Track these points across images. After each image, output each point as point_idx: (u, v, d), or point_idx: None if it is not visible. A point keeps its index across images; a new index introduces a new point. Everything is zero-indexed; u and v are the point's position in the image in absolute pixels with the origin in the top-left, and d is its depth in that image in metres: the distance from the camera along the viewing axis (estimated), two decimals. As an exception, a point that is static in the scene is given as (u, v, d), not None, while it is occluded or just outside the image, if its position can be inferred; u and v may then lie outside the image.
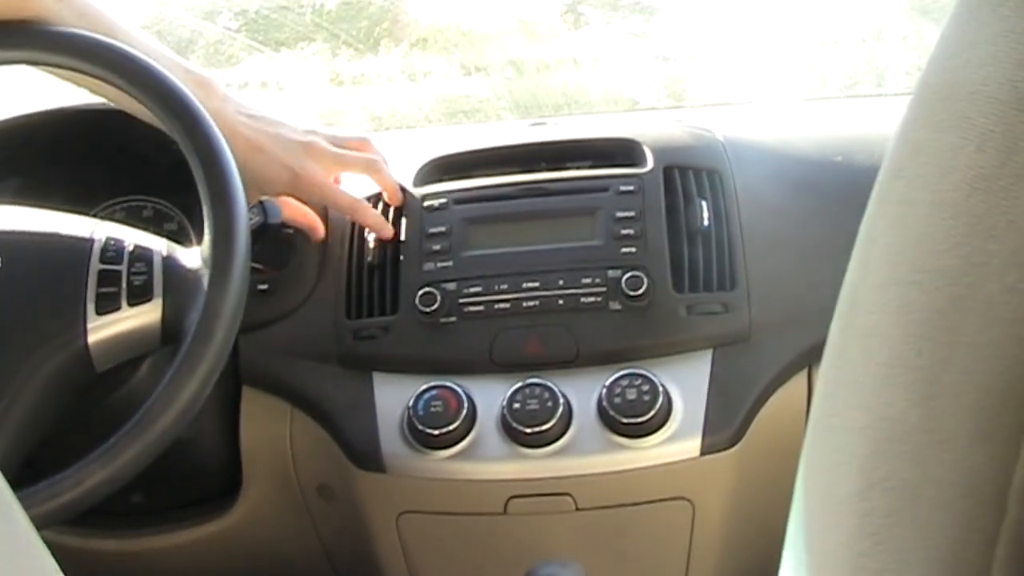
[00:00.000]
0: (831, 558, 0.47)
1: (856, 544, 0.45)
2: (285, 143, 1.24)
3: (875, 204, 0.48)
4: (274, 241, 1.26)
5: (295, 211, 1.30)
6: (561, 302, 1.26)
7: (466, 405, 1.22)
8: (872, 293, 0.46)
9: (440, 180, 1.36)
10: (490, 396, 1.24)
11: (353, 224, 1.33)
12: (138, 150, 1.32)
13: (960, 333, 0.41)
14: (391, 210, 1.33)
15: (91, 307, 1.07)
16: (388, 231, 1.30)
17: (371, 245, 1.31)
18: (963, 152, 0.42)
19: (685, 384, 1.23)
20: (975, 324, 0.41)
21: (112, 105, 1.19)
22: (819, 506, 0.50)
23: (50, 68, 1.12)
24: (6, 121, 1.36)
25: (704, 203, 1.28)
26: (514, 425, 1.21)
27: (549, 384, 1.22)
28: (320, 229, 1.31)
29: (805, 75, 2.06)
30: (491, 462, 1.22)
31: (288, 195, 1.27)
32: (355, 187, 1.33)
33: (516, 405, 1.21)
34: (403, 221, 1.32)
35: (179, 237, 1.35)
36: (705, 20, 2.18)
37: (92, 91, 1.18)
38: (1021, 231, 0.40)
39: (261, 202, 1.16)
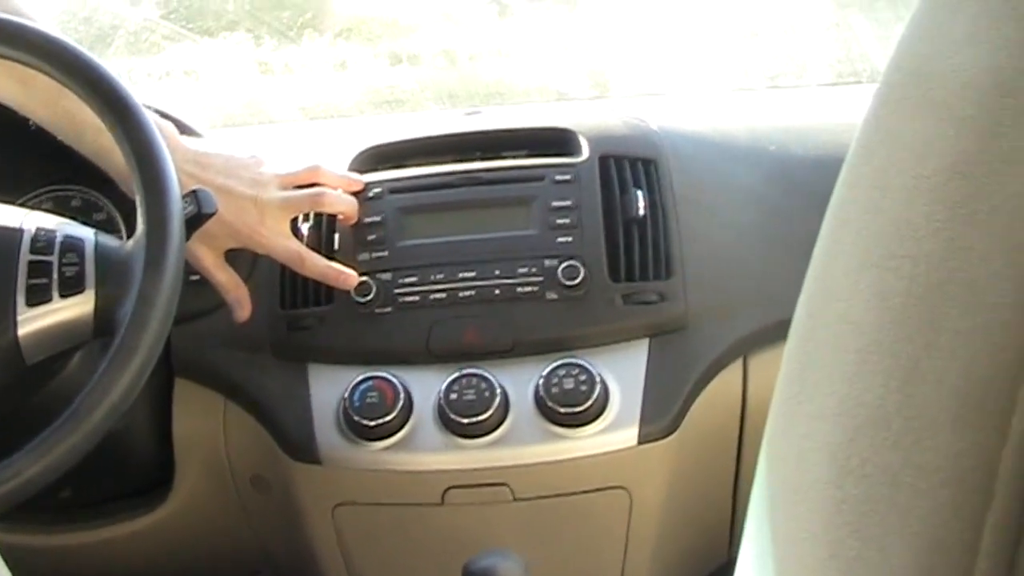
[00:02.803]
0: (801, 547, 0.47)
1: (830, 532, 0.44)
2: (232, 197, 1.22)
3: (844, 189, 0.48)
4: None
5: (228, 282, 1.27)
6: (497, 292, 1.26)
7: (402, 396, 1.21)
8: (844, 279, 0.46)
9: (375, 169, 1.35)
10: (426, 387, 1.23)
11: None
12: (64, 141, 1.30)
13: (942, 318, 0.41)
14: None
15: (21, 299, 1.04)
16: (346, 281, 1.27)
17: (305, 234, 1.29)
18: (941, 137, 0.42)
19: (622, 373, 1.23)
20: (958, 309, 0.40)
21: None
22: (786, 494, 0.49)
23: None
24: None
25: (640, 192, 1.28)
26: (451, 416, 1.20)
27: (486, 374, 1.22)
28: (246, 309, 1.28)
29: (728, 66, 2.07)
30: (428, 453, 1.22)
31: (230, 246, 1.26)
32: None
33: (453, 396, 1.21)
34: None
35: (108, 227, 1.32)
36: (628, 11, 2.19)
37: None
38: (1005, 216, 0.40)
39: (194, 191, 1.14)
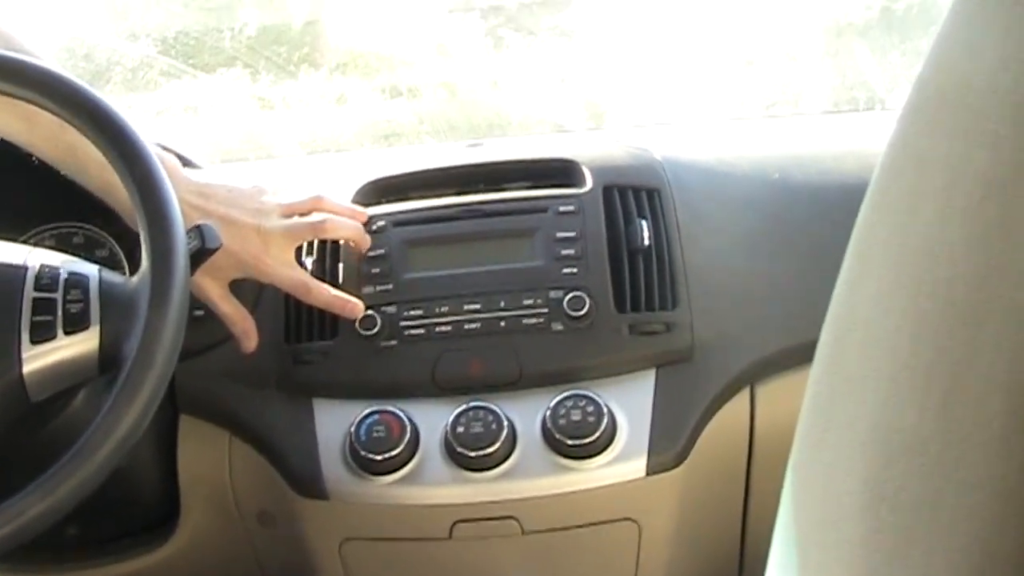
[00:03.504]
0: (833, 574, 0.46)
1: (865, 560, 0.44)
2: (233, 229, 1.22)
3: (870, 213, 0.47)
4: None
5: (235, 313, 1.27)
6: (503, 324, 1.25)
7: (409, 429, 1.21)
8: (872, 303, 0.45)
9: (378, 202, 1.35)
10: (433, 420, 1.22)
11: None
12: (67, 176, 1.29)
13: (981, 340, 0.40)
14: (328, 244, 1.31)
15: (25, 336, 1.04)
16: (352, 310, 1.26)
17: (309, 269, 1.29)
18: (974, 158, 0.41)
19: (629, 404, 1.22)
20: (997, 329, 0.40)
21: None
22: (815, 523, 0.49)
23: None
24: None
25: (644, 222, 1.28)
26: (458, 449, 1.19)
27: (493, 407, 1.21)
28: (252, 340, 1.27)
29: (724, 95, 2.08)
30: (435, 487, 1.21)
31: (233, 277, 1.25)
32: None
33: (460, 428, 1.20)
34: (341, 244, 1.30)
35: (110, 264, 1.32)
36: (623, 43, 2.19)
37: None
38: None
39: (199, 226, 1.14)
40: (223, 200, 1.23)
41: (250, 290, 1.28)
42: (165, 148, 1.22)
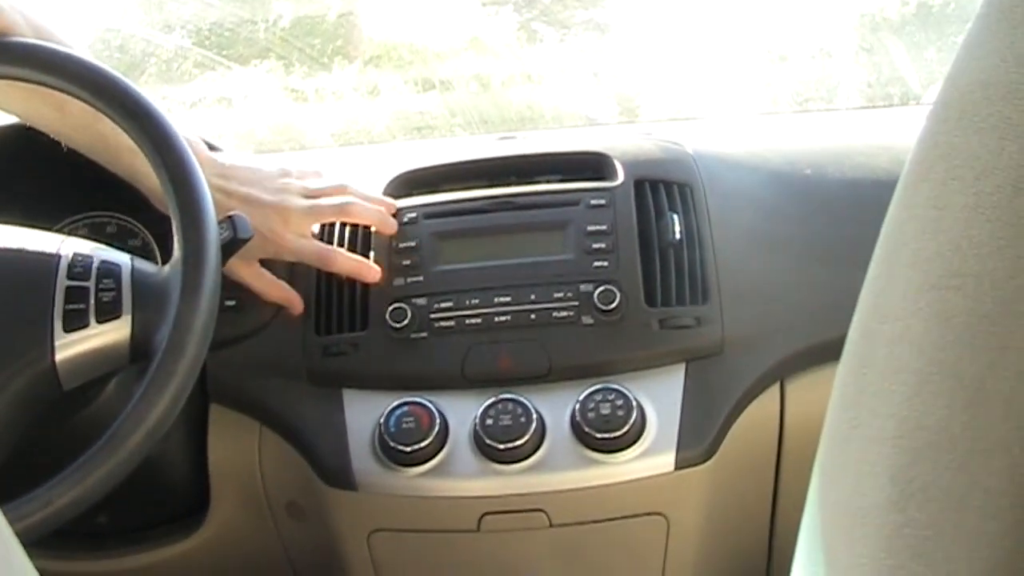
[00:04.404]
0: (859, 571, 0.46)
1: (891, 557, 0.44)
2: (256, 206, 1.24)
3: (899, 209, 0.47)
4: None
5: (270, 286, 1.28)
6: (533, 317, 1.25)
7: (438, 421, 1.21)
8: (901, 299, 0.45)
9: (409, 194, 1.35)
10: (462, 412, 1.22)
11: (321, 240, 1.31)
12: (100, 166, 1.30)
13: (1009, 337, 0.40)
14: (360, 226, 1.32)
15: (58, 324, 1.04)
16: (371, 275, 1.28)
17: (339, 260, 1.29)
18: (1004, 153, 0.41)
19: (658, 398, 1.22)
20: None
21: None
22: (842, 518, 0.49)
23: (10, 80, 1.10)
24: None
25: (675, 216, 1.28)
26: (487, 441, 1.19)
27: (522, 399, 1.21)
28: (298, 303, 1.29)
29: (757, 90, 2.07)
30: (464, 479, 1.21)
31: (257, 256, 1.27)
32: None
33: (489, 421, 1.20)
34: (372, 236, 1.31)
35: (143, 253, 1.32)
36: (657, 37, 2.19)
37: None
38: None
39: (231, 217, 1.14)
40: (245, 180, 1.25)
41: (281, 279, 1.29)
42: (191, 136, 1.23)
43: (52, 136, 1.20)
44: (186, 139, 1.07)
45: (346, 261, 1.28)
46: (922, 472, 0.42)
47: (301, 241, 1.27)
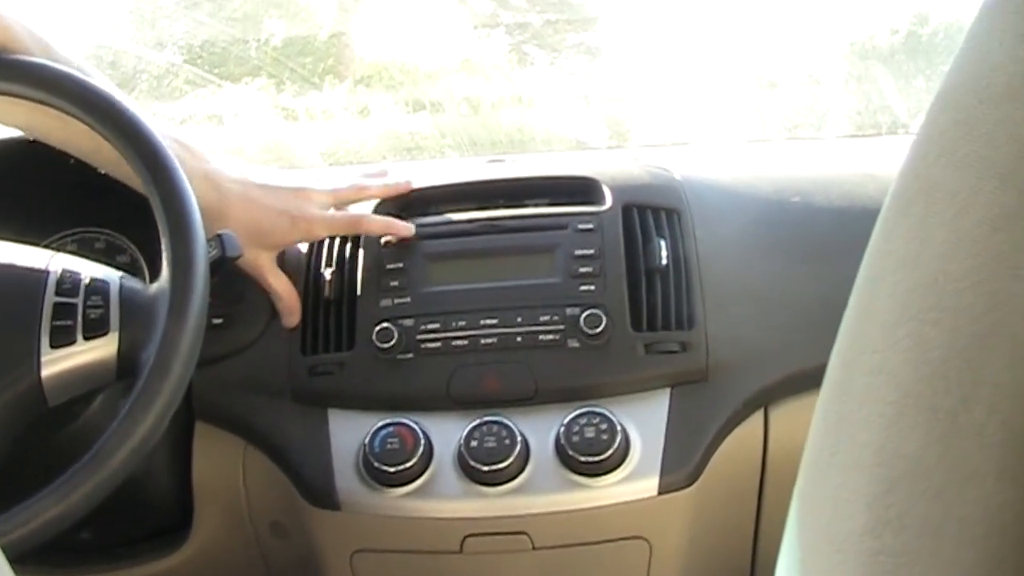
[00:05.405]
0: None
1: None
2: (275, 191, 1.25)
3: (880, 240, 0.48)
4: (230, 275, 1.25)
5: (284, 286, 1.29)
6: (519, 339, 1.25)
7: (423, 442, 1.21)
8: (880, 330, 0.46)
9: (398, 215, 1.35)
10: (447, 433, 1.23)
11: (309, 259, 1.32)
12: (90, 181, 1.30)
13: (983, 371, 0.40)
14: (347, 245, 1.32)
15: (45, 340, 1.04)
16: (404, 229, 1.31)
17: (328, 279, 1.30)
18: (983, 191, 0.41)
19: (643, 423, 1.22)
20: (999, 363, 0.40)
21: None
22: (820, 545, 0.49)
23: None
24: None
25: (663, 242, 1.28)
26: (471, 463, 1.19)
27: (507, 422, 1.21)
28: (297, 315, 1.30)
29: (746, 117, 2.08)
30: (447, 500, 1.21)
31: (289, 240, 1.29)
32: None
33: (473, 443, 1.20)
34: (360, 256, 1.31)
35: (131, 269, 1.33)
36: (647, 61, 2.20)
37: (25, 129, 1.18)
38: None
39: (219, 235, 1.15)
40: (258, 174, 1.27)
41: (263, 306, 1.30)
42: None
43: (56, 145, 1.20)
44: (187, 143, 1.08)
45: (378, 222, 1.31)
46: (898, 500, 0.43)
47: (329, 212, 1.29)
